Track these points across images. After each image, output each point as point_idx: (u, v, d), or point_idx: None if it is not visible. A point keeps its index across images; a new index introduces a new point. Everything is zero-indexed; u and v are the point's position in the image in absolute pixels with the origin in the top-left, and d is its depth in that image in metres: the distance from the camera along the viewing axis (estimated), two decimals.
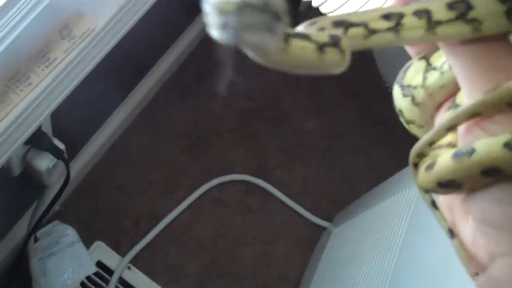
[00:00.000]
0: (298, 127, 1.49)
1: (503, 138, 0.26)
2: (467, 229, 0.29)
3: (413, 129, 0.37)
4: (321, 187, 1.43)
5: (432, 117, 0.35)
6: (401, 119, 0.37)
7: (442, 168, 0.28)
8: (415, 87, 0.34)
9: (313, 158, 1.45)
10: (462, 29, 0.27)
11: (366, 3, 0.79)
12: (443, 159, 0.28)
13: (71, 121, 1.01)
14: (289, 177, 1.42)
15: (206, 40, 1.49)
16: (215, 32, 0.25)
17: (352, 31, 0.29)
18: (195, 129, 1.46)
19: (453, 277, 0.66)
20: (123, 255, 1.32)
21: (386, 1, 0.79)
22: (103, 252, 1.33)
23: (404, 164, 0.42)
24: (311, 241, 1.37)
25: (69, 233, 1.24)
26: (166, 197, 1.39)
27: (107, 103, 1.32)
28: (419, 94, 0.34)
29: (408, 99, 0.35)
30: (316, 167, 1.45)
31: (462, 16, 0.27)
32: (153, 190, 1.40)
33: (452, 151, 0.28)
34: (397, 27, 0.28)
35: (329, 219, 1.38)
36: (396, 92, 0.36)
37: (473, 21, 0.27)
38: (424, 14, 0.28)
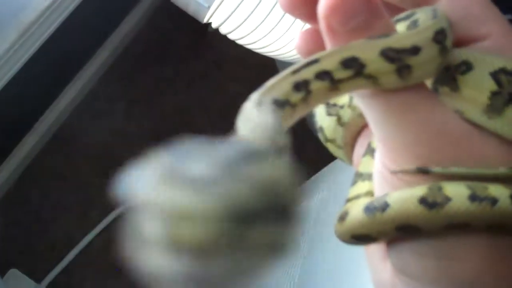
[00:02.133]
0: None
1: (418, 192, 0.25)
2: (386, 272, 0.28)
3: (331, 147, 0.35)
4: None
5: (354, 139, 0.34)
6: (320, 136, 0.35)
7: (355, 221, 0.27)
8: (341, 107, 0.33)
9: None
10: (364, 83, 0.25)
11: (260, 23, 0.83)
12: (355, 212, 0.27)
13: None
14: None
15: (115, 65, 1.51)
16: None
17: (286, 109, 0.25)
18: (108, 151, 1.47)
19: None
20: (39, 281, 1.31)
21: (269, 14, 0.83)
22: (18, 279, 1.31)
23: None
24: None
25: None
26: (81, 221, 1.39)
27: (17, 127, 1.31)
28: (346, 114, 0.33)
29: (333, 118, 0.33)
30: None
31: (359, 73, 0.25)
32: (68, 214, 1.40)
33: (365, 202, 0.27)
34: (307, 97, 0.25)
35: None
36: (320, 109, 0.34)
37: (370, 77, 0.25)
38: (325, 76, 0.25)
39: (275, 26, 0.86)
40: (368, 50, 0.24)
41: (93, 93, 1.49)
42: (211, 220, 0.13)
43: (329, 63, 0.25)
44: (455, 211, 0.24)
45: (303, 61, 0.25)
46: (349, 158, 0.35)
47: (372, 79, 0.25)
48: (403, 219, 0.25)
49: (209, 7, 0.84)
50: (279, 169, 0.14)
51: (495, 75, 0.26)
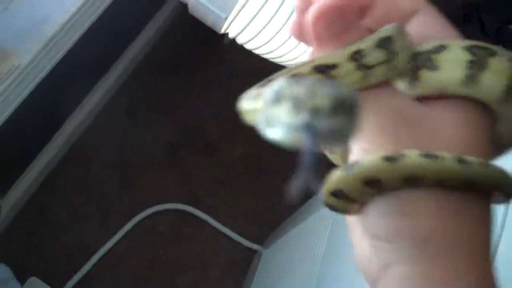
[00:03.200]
0: (224, 155, 1.53)
1: (384, 153, 0.29)
2: (365, 248, 0.31)
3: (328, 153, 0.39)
4: (249, 211, 1.47)
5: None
6: None
7: (333, 179, 0.30)
8: None
9: (238, 184, 1.49)
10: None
11: (276, 34, 0.85)
12: (335, 172, 0.30)
13: (3, 154, 1.02)
14: (218, 203, 1.46)
15: (135, 75, 1.53)
16: (280, 133, 0.23)
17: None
18: (125, 161, 1.49)
19: None
20: None
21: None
22: (37, 287, 1.33)
23: None
24: (243, 265, 1.41)
25: (3, 271, 1.24)
26: (99, 230, 1.41)
27: (37, 138, 1.34)
28: None
29: None
30: (241, 192, 1.49)
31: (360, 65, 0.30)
32: (86, 223, 1.42)
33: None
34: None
35: (260, 242, 1.42)
36: None
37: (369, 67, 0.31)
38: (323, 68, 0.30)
39: (290, 36, 0.88)
40: (304, 68, 0.31)
41: (111, 103, 1.51)
42: (324, 98, 0.22)
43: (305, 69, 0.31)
44: (408, 164, 0.28)
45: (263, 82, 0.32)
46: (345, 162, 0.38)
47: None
48: (369, 173, 0.29)
49: (226, 18, 0.86)
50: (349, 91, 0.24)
51: (470, 48, 0.31)
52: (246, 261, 1.41)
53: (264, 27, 0.86)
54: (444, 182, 0.29)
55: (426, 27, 0.33)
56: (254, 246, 1.42)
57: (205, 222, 1.45)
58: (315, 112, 0.22)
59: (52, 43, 0.85)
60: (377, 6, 0.33)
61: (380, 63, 0.31)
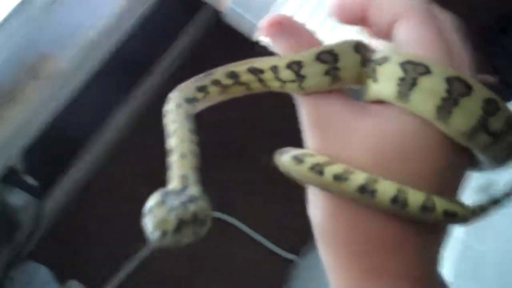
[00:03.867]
0: (256, 161, 1.53)
1: (293, 152, 0.35)
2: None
3: None
4: (283, 219, 1.47)
5: None
6: None
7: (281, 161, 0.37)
8: None
9: (271, 191, 1.50)
10: (241, 89, 0.39)
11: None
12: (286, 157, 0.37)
13: (43, 159, 1.05)
14: (251, 210, 1.47)
15: (170, 81, 1.55)
16: (151, 237, 0.31)
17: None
18: (162, 167, 1.50)
19: None
20: None
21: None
22: None
23: None
24: (278, 275, 1.41)
25: (43, 273, 1.27)
26: (137, 233, 1.42)
27: (78, 141, 1.36)
28: None
29: None
30: (275, 199, 1.49)
31: (236, 82, 0.38)
32: (124, 226, 1.43)
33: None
34: (206, 95, 0.40)
35: (295, 252, 1.42)
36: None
37: (243, 83, 0.38)
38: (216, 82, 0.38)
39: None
40: (241, 66, 0.38)
41: (147, 109, 1.54)
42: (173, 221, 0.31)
43: (219, 74, 0.38)
44: (302, 169, 0.34)
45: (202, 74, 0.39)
46: None
47: (245, 85, 0.38)
48: (283, 167, 0.36)
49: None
50: (198, 204, 0.32)
51: (403, 64, 0.33)
52: (281, 271, 1.41)
53: None
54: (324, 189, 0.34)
55: (407, 34, 0.34)
56: (290, 256, 1.42)
57: (237, 229, 1.45)
58: (163, 232, 0.30)
59: (91, 47, 0.87)
60: (369, 14, 0.36)
61: (314, 76, 0.35)
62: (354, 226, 0.33)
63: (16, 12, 0.70)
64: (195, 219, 0.31)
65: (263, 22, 0.37)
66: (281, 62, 0.36)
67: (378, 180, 0.32)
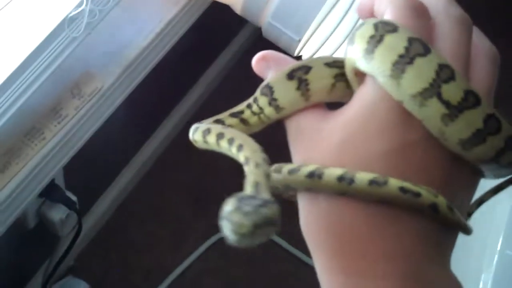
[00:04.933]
0: None
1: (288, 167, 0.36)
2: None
3: None
4: None
5: None
6: None
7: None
8: None
9: None
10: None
11: (338, 48, 0.86)
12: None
13: (83, 175, 1.07)
14: (291, 226, 1.46)
15: (209, 101, 1.57)
16: (229, 240, 0.33)
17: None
18: (200, 186, 1.52)
19: None
20: None
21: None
22: None
23: None
24: None
25: None
26: (174, 252, 1.44)
27: (118, 158, 1.39)
28: None
29: None
30: None
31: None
32: (161, 245, 1.45)
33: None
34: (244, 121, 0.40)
35: None
36: None
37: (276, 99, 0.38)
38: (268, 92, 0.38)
39: None
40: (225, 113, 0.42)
41: (187, 127, 1.55)
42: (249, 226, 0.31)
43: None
44: (286, 179, 0.36)
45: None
46: None
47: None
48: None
49: (299, 40, 0.87)
50: (269, 208, 0.32)
51: (376, 24, 0.34)
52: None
53: (337, 49, 0.87)
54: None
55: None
56: None
57: (279, 246, 1.45)
58: (241, 236, 0.31)
59: (133, 66, 0.89)
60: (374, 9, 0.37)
61: (285, 94, 0.37)
62: (332, 224, 0.34)
63: (61, 30, 0.72)
64: (267, 222, 0.32)
65: (253, 60, 0.39)
66: (256, 93, 0.39)
67: (328, 167, 0.34)
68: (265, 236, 0.32)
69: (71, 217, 0.99)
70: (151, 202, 1.48)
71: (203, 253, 1.44)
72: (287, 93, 0.37)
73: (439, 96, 0.32)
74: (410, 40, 0.32)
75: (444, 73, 0.32)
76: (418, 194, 0.32)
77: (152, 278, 1.41)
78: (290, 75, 0.37)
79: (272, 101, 0.38)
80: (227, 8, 0.91)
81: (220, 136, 0.39)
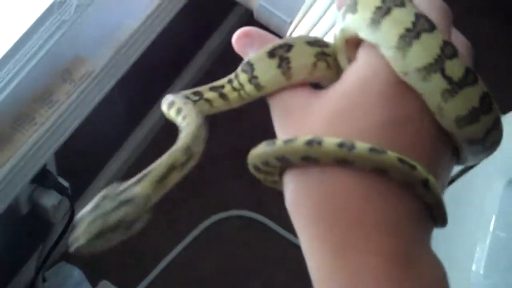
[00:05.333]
0: None
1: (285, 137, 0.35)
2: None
3: None
4: None
5: None
6: None
7: (251, 155, 0.37)
8: None
9: None
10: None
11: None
12: (254, 149, 0.37)
13: (75, 161, 1.06)
14: (284, 210, 1.47)
15: (200, 84, 1.56)
16: (71, 247, 0.33)
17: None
18: (194, 169, 1.51)
19: None
20: None
21: None
22: None
23: None
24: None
25: (76, 274, 1.28)
26: (168, 235, 1.44)
27: (109, 143, 1.38)
28: None
29: None
30: None
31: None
32: (155, 228, 1.44)
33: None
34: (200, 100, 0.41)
35: None
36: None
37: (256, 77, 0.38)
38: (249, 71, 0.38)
39: None
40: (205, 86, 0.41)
41: None
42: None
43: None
44: (281, 149, 0.34)
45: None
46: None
47: (209, 102, 0.41)
48: (277, 151, 0.35)
49: (291, 22, 0.87)
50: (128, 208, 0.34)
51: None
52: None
53: (328, 31, 0.87)
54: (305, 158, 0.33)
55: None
56: None
57: (271, 229, 1.46)
58: (83, 241, 0.33)
59: (124, 49, 0.88)
60: None
61: (266, 71, 0.37)
62: (326, 197, 0.33)
63: (51, 13, 0.71)
64: (120, 225, 0.33)
65: (234, 37, 0.39)
66: (237, 69, 0.38)
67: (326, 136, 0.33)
68: (114, 240, 0.34)
69: (64, 203, 0.99)
70: None
71: (197, 237, 1.44)
72: (267, 71, 0.37)
73: (443, 71, 0.32)
74: (417, 16, 0.33)
75: (448, 50, 0.33)
76: (414, 167, 0.32)
77: (145, 262, 1.41)
78: (271, 53, 0.37)
79: (253, 79, 0.37)
80: None
81: (178, 111, 0.39)
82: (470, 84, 0.33)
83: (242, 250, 1.45)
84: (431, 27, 0.33)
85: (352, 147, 0.32)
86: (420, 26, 0.33)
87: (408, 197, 0.33)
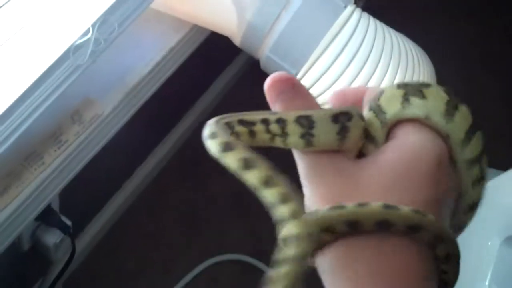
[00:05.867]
0: None
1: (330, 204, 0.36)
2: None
3: None
4: (315, 272, 1.47)
5: None
6: None
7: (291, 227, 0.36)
8: None
9: None
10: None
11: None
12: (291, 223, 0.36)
13: (78, 200, 1.07)
14: None
15: (202, 128, 1.58)
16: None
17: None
18: (193, 211, 1.52)
19: None
20: None
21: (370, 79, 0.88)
22: None
23: None
24: None
25: None
26: (165, 276, 1.44)
27: (111, 183, 1.39)
28: None
29: None
30: None
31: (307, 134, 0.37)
32: (152, 269, 1.45)
33: None
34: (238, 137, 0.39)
35: None
36: None
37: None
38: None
39: None
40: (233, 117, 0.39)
41: (179, 154, 1.56)
42: None
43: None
44: (354, 212, 0.34)
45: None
46: None
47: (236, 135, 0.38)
48: (322, 220, 0.35)
49: (296, 74, 0.89)
50: None
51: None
52: None
53: (334, 83, 0.89)
54: (380, 225, 0.34)
55: None
56: None
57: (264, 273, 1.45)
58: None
59: (133, 93, 0.90)
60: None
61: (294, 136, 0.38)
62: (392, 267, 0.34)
63: (66, 57, 0.73)
64: None
65: (271, 80, 0.40)
66: (283, 115, 0.38)
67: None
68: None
69: (65, 242, 1.00)
70: (143, 226, 1.49)
71: (193, 279, 1.44)
72: (327, 134, 0.37)
73: (480, 162, 0.39)
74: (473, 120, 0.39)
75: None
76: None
77: None
78: (335, 118, 0.38)
79: (308, 135, 0.37)
80: (225, 37, 0.93)
81: (246, 164, 0.35)
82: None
83: None
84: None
85: (423, 215, 0.34)
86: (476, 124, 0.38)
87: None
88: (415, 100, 0.38)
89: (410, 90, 0.38)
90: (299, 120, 0.37)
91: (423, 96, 0.38)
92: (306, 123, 0.37)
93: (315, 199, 0.37)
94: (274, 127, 0.38)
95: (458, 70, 1.66)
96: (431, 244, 0.35)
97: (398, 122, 0.39)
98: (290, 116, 0.37)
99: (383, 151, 0.38)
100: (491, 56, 1.83)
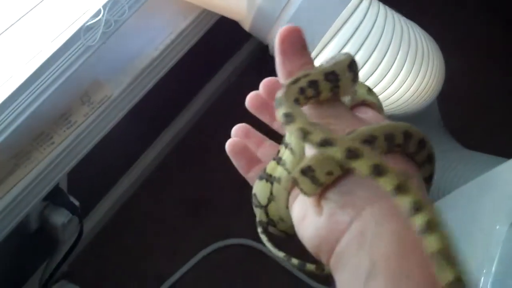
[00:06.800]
0: None
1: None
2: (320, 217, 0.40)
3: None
4: None
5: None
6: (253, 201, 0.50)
7: (308, 159, 0.39)
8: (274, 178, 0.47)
9: None
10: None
11: None
12: (310, 154, 0.40)
13: (86, 180, 1.08)
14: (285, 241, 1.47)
15: (211, 110, 1.59)
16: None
17: None
18: (198, 196, 1.53)
19: None
20: None
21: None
22: None
23: None
24: None
25: None
26: (170, 260, 1.45)
27: (119, 165, 1.40)
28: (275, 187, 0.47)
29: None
30: None
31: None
32: (157, 252, 1.46)
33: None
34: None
35: (329, 283, 1.43)
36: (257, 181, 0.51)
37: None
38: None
39: (367, 79, 0.91)
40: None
41: (187, 138, 1.57)
42: None
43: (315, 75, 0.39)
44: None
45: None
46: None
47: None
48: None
49: None
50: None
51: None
52: None
53: None
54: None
55: None
56: (320, 287, 1.43)
57: (271, 260, 1.47)
58: None
59: (142, 76, 0.91)
60: None
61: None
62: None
63: (77, 38, 0.74)
64: None
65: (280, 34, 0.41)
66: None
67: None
68: None
69: (73, 222, 1.00)
70: (149, 209, 1.50)
71: (198, 262, 1.45)
72: (349, 81, 0.41)
73: None
74: None
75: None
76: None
77: (147, 286, 1.42)
78: (350, 67, 0.40)
79: (335, 88, 0.39)
80: (234, 22, 0.93)
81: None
82: None
83: (242, 280, 1.45)
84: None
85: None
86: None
87: None
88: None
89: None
90: (327, 76, 0.39)
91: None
92: (333, 78, 0.39)
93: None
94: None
95: (466, 58, 1.66)
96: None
97: None
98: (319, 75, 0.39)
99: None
100: (497, 46, 1.83)
